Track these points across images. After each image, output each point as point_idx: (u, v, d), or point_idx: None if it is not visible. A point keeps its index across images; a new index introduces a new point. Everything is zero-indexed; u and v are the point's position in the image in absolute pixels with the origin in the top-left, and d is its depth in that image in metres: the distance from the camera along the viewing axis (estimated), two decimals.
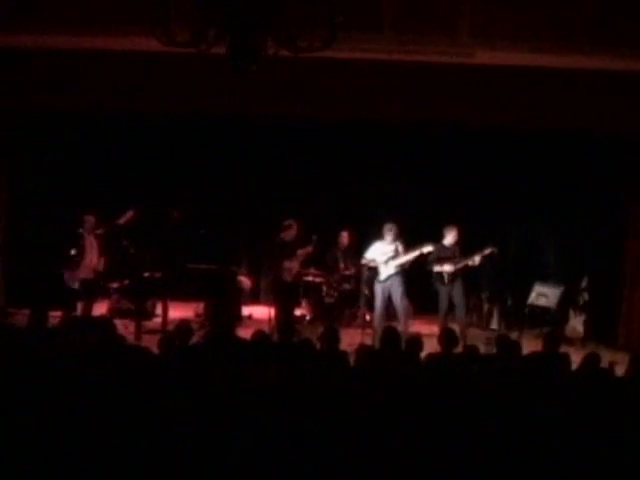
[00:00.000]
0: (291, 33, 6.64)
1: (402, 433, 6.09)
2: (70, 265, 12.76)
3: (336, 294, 13.99)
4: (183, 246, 13.20)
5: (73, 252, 12.75)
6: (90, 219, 12.97)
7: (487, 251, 12.85)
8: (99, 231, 13.00)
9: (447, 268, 12.91)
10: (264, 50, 6.72)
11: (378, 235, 13.22)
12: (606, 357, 9.30)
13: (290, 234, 13.30)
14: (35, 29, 10.83)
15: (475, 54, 11.26)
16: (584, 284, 13.55)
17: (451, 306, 13.05)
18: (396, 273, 12.94)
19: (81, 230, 12.88)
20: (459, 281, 12.99)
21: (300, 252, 13.34)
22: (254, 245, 13.95)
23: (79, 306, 12.81)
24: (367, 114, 13.04)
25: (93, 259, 12.92)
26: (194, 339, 8.99)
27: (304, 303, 14.38)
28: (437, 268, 12.97)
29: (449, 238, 13.00)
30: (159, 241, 13.19)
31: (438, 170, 15.17)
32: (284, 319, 12.89)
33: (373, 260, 13.00)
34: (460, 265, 12.90)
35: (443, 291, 13.03)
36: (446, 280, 12.94)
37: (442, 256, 12.92)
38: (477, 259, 12.85)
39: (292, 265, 13.31)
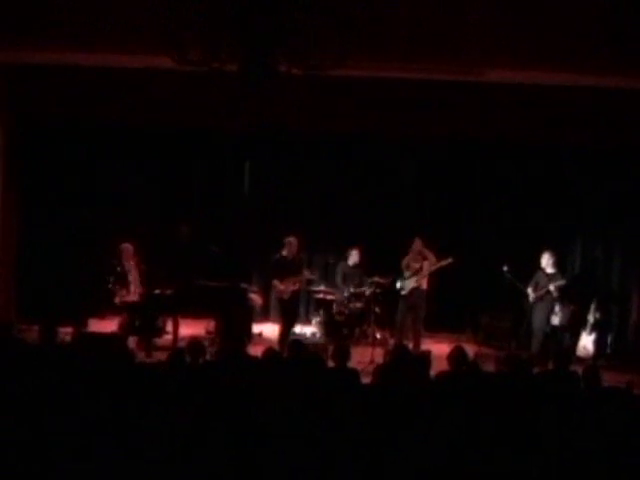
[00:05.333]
0: (303, 51, 6.68)
1: (409, 448, 6.09)
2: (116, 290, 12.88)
3: (347, 312, 13.96)
4: (194, 262, 13.21)
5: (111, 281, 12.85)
6: (128, 247, 13.00)
7: (560, 282, 12.97)
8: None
9: (531, 294, 13.06)
10: (276, 67, 6.76)
11: (389, 253, 13.35)
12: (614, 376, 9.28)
13: (291, 251, 13.34)
14: (52, 46, 10.92)
15: (485, 72, 11.29)
16: (595, 303, 13.51)
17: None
18: (419, 289, 13.11)
19: (115, 261, 12.93)
20: (540, 307, 13.09)
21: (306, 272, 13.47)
22: (265, 262, 13.89)
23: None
24: (378, 130, 13.09)
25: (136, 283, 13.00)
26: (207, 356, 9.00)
27: (314, 321, 14.36)
28: (529, 290, 13.16)
29: (543, 263, 13.10)
30: (170, 257, 13.19)
31: (441, 185, 15.18)
32: (284, 336, 12.99)
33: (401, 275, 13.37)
34: (540, 293, 12.98)
35: (527, 316, 13.24)
36: (528, 306, 13.16)
37: (539, 283, 13.08)
38: (552, 288, 12.95)
39: (288, 283, 13.35)
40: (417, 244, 13.32)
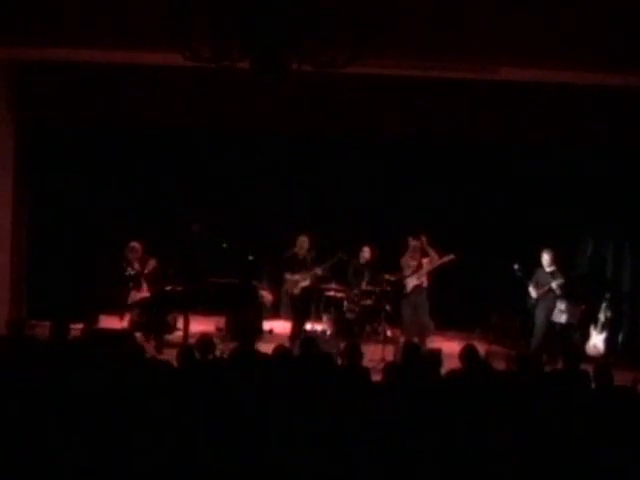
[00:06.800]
0: (314, 49, 6.68)
1: (420, 446, 6.08)
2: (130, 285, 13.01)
3: (357, 309, 13.95)
4: (205, 259, 13.21)
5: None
6: (137, 246, 13.06)
7: (559, 281, 12.96)
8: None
9: (533, 293, 13.07)
10: (288, 65, 6.76)
11: (399, 250, 13.35)
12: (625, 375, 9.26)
13: (302, 248, 13.39)
14: (61, 43, 10.94)
15: (499, 70, 11.27)
16: (606, 301, 13.47)
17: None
18: (420, 286, 13.10)
19: (128, 259, 13.02)
20: (542, 306, 13.10)
21: (320, 267, 13.47)
22: (276, 260, 13.89)
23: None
24: (389, 129, 13.09)
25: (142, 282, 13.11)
26: (217, 353, 9.01)
27: (325, 318, 14.35)
28: (530, 288, 13.17)
29: (544, 261, 13.11)
30: (180, 255, 13.20)
31: (452, 183, 15.18)
32: (294, 333, 13.04)
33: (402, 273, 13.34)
34: (541, 291, 13.00)
35: (532, 315, 13.31)
36: (532, 302, 13.19)
37: (539, 281, 13.09)
38: (554, 285, 12.95)
39: (299, 279, 13.40)
40: (421, 241, 13.26)
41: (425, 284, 13.26)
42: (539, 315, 13.12)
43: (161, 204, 14.96)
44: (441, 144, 14.09)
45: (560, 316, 13.40)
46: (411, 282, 13.23)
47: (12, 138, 13.18)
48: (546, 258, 13.09)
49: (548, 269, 13.08)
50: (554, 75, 11.39)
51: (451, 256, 13.11)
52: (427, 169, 15.08)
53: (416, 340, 12.51)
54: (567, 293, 13.40)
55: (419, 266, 13.23)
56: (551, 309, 13.17)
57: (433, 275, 13.33)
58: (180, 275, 12.92)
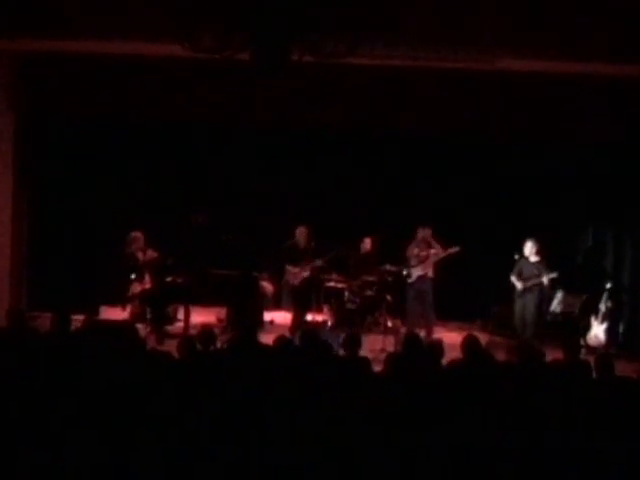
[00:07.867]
0: (316, 39, 6.67)
1: (422, 437, 6.09)
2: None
3: (358, 300, 13.96)
4: (205, 251, 13.21)
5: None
6: (138, 236, 13.10)
7: (553, 275, 12.90)
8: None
9: (518, 284, 13.02)
10: (289, 57, 6.76)
11: (401, 241, 13.38)
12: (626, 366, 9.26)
13: (301, 239, 13.42)
14: (62, 35, 10.93)
15: (496, 61, 11.25)
16: (607, 292, 13.46)
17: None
18: (425, 276, 13.13)
19: (130, 250, 13.07)
20: (531, 297, 13.05)
21: (319, 259, 13.50)
22: (276, 251, 13.89)
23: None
24: (388, 121, 13.07)
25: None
26: (217, 344, 9.01)
27: (326, 309, 14.36)
28: (513, 278, 13.11)
29: (526, 251, 13.06)
30: (181, 246, 13.21)
31: (454, 174, 15.15)
32: (295, 324, 13.10)
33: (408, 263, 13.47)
34: (529, 284, 12.96)
35: (516, 304, 13.23)
36: (516, 294, 13.12)
37: (523, 271, 13.04)
38: (545, 280, 12.89)
39: (300, 270, 13.41)
40: (426, 233, 13.34)
41: (430, 274, 13.32)
42: (529, 305, 13.06)
43: (162, 196, 14.96)
44: (442, 138, 14.06)
45: (558, 306, 13.39)
46: (416, 272, 13.31)
47: (12, 127, 13.18)
48: (529, 246, 13.03)
49: (533, 259, 13.04)
50: (557, 67, 11.38)
51: (457, 248, 13.16)
52: (428, 163, 15.06)
53: (421, 332, 12.53)
54: (567, 283, 13.40)
55: (426, 257, 13.29)
56: (541, 299, 13.13)
57: (438, 266, 13.39)
58: (181, 266, 12.94)
